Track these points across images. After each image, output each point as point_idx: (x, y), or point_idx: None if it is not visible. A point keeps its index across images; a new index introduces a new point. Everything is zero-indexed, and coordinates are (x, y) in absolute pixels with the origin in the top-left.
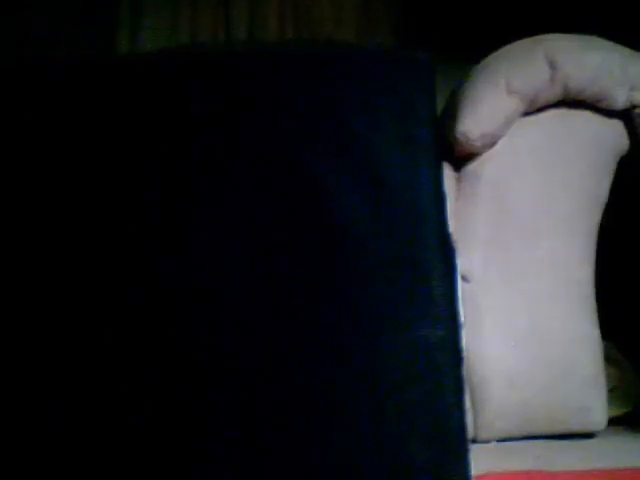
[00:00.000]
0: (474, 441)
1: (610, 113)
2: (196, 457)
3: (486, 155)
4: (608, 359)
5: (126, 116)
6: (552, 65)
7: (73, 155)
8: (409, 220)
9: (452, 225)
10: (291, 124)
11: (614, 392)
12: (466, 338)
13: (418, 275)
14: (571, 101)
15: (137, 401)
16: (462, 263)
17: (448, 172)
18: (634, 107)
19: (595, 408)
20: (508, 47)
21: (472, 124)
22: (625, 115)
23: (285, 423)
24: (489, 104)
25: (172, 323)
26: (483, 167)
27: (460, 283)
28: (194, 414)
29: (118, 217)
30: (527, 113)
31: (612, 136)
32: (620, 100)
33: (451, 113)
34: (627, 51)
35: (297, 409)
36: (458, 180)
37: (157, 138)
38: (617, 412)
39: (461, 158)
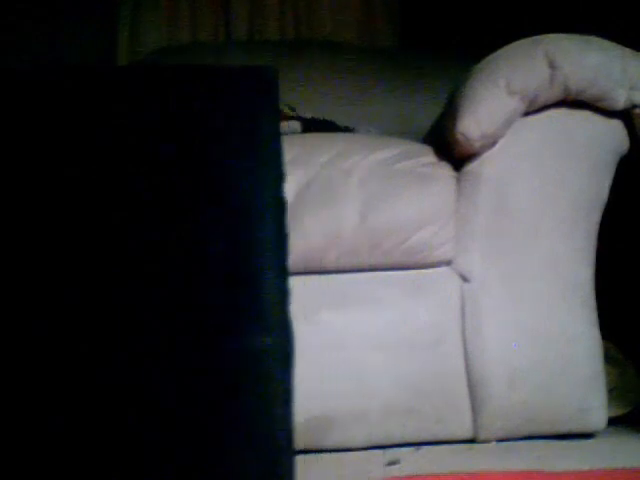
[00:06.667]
0: (474, 441)
1: (610, 113)
2: None
3: (486, 155)
4: (608, 359)
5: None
6: (552, 65)
7: (26, 165)
8: (247, 227)
9: (452, 225)
10: (144, 140)
11: (614, 392)
12: (466, 338)
13: (249, 282)
14: (571, 101)
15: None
16: (462, 263)
17: (448, 172)
18: (634, 107)
19: (595, 408)
20: (508, 47)
21: (472, 124)
22: (625, 115)
23: (120, 417)
24: (489, 104)
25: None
26: (483, 167)
27: (460, 283)
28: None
29: (76, 220)
30: (527, 113)
31: (612, 136)
32: (620, 100)
33: (451, 113)
34: (627, 51)
35: (135, 404)
36: (458, 180)
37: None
38: (617, 412)
39: (461, 158)
